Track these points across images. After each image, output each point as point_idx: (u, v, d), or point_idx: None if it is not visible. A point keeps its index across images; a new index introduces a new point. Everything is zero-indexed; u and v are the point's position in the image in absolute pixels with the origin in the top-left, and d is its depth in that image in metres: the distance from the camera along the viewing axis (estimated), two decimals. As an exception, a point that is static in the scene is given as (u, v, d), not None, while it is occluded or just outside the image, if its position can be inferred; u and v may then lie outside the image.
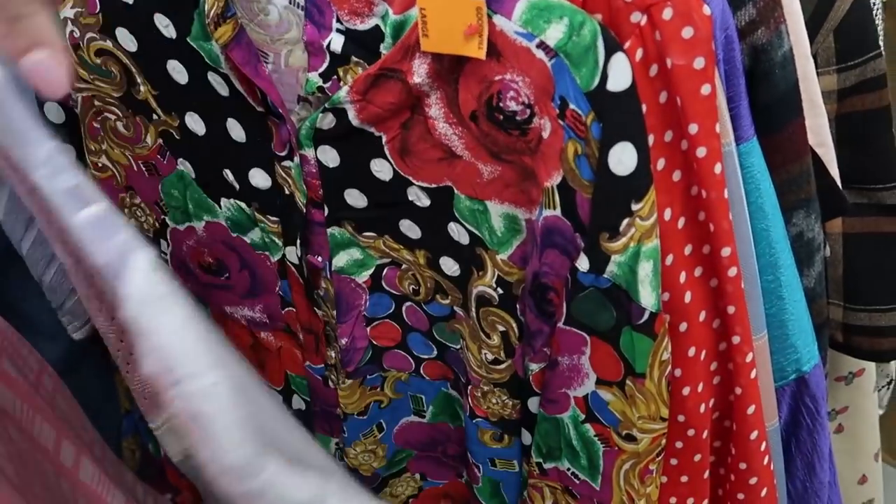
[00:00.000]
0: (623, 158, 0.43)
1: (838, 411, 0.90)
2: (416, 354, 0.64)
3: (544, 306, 0.51)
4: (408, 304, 0.61)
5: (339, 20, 0.49)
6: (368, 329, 0.62)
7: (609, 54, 0.41)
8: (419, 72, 0.47)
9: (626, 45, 0.44)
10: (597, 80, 0.42)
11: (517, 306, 0.54)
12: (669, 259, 0.47)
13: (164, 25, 0.54)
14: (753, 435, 0.53)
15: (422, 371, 0.65)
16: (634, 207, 0.44)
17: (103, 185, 0.65)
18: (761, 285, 0.53)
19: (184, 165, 0.61)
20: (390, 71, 0.48)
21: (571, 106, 0.43)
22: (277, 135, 0.55)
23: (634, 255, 0.45)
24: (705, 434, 0.53)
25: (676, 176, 0.47)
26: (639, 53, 0.44)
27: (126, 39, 0.56)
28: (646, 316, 0.46)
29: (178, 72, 0.56)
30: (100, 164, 0.63)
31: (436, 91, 0.48)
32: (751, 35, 0.52)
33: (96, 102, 0.60)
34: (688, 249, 0.49)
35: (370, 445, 0.69)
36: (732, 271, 0.48)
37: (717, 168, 0.46)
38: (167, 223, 0.65)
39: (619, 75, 0.42)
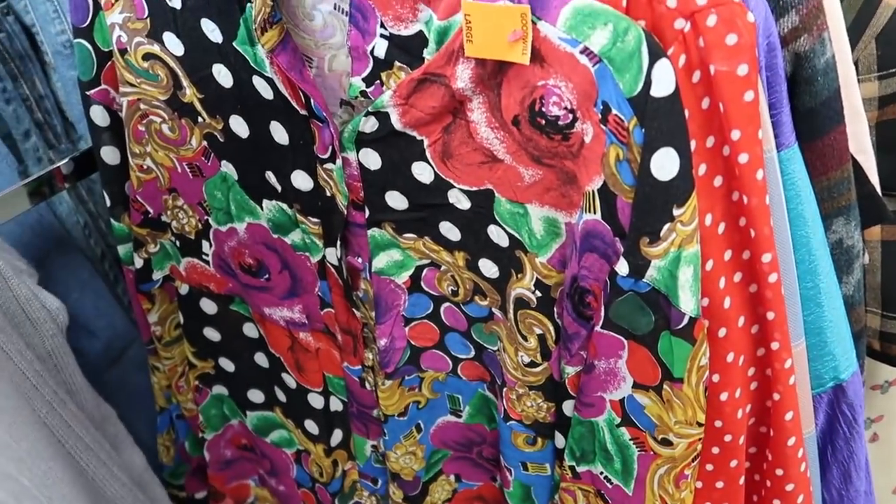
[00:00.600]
0: (665, 163, 0.43)
1: (873, 420, 0.89)
2: (453, 354, 0.65)
3: (582, 309, 0.51)
4: (446, 304, 0.61)
5: (383, 25, 0.50)
6: (407, 329, 0.63)
7: (653, 60, 0.42)
8: (462, 76, 0.48)
9: (670, 51, 0.44)
10: (640, 86, 0.42)
11: (555, 309, 0.54)
12: (710, 264, 0.47)
13: (211, 30, 0.55)
14: (791, 441, 0.53)
15: (459, 371, 0.66)
16: (676, 212, 0.44)
17: (147, 187, 0.66)
18: (800, 292, 0.53)
19: (227, 167, 0.62)
20: (434, 75, 0.48)
21: (614, 111, 0.43)
22: (320, 138, 0.56)
23: (675, 259, 0.45)
24: (742, 440, 0.53)
25: (718, 181, 0.47)
26: (682, 59, 0.44)
27: (173, 43, 0.57)
28: (685, 321, 0.46)
29: (223, 76, 0.57)
30: (144, 167, 0.65)
31: (478, 96, 0.49)
32: (794, 42, 0.51)
33: (142, 106, 0.61)
34: (727, 255, 0.49)
35: (410, 447, 0.70)
36: (773, 277, 0.48)
37: (759, 174, 0.46)
38: (210, 224, 0.66)
39: (663, 81, 0.42)
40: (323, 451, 0.75)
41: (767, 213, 0.47)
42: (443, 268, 0.59)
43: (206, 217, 0.66)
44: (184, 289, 0.72)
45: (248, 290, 0.68)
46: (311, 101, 0.53)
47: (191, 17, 0.55)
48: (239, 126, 0.59)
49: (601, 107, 0.44)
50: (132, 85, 0.61)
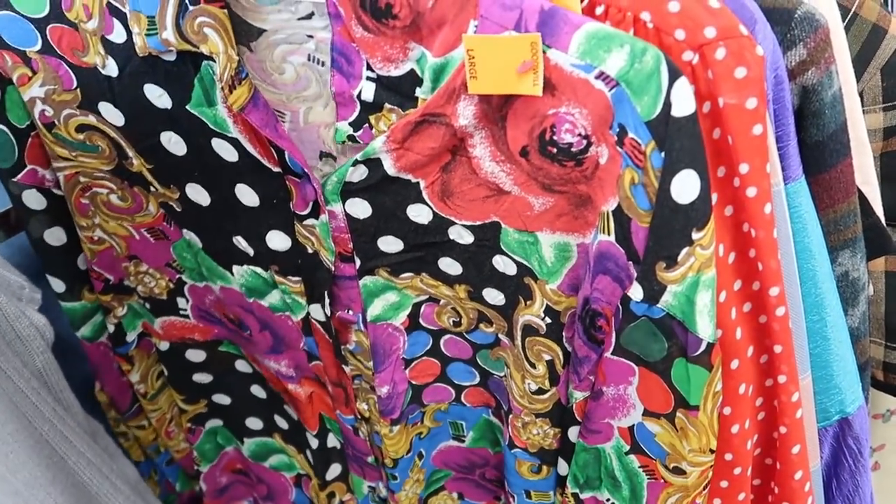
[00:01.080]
0: (686, 186, 0.42)
1: (875, 449, 0.89)
2: (456, 383, 0.64)
3: (593, 332, 0.50)
4: (446, 336, 0.61)
5: (369, 68, 0.48)
6: (407, 371, 0.62)
7: (673, 79, 0.40)
8: (465, 114, 0.46)
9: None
10: (660, 107, 0.41)
11: (564, 334, 0.54)
12: (723, 295, 0.47)
13: (157, 96, 0.52)
14: (798, 475, 0.53)
15: (463, 399, 0.65)
16: (696, 236, 0.43)
17: (102, 257, 0.62)
18: (807, 325, 0.53)
19: (189, 235, 0.60)
20: (433, 116, 0.47)
21: (630, 134, 0.42)
22: (299, 194, 0.53)
23: (693, 284, 0.44)
24: (749, 471, 0.52)
25: (728, 211, 0.47)
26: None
27: (112, 113, 0.54)
28: (703, 346, 0.45)
29: (174, 143, 0.54)
30: (95, 238, 0.61)
31: (481, 131, 0.47)
32: (801, 75, 0.52)
33: (82, 179, 0.57)
34: (737, 285, 0.48)
35: (415, 475, 0.69)
36: (780, 311, 0.48)
37: (767, 208, 0.46)
38: (184, 280, 0.63)
39: (684, 100, 0.41)
40: (318, 484, 0.74)
41: (775, 247, 0.47)
42: (442, 301, 0.58)
43: (178, 275, 0.63)
44: (163, 345, 0.69)
45: (237, 337, 0.67)
46: (287, 156, 0.51)
47: (131, 85, 0.52)
48: (198, 194, 0.56)
49: (617, 129, 0.43)
50: (66, 159, 0.56)
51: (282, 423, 0.74)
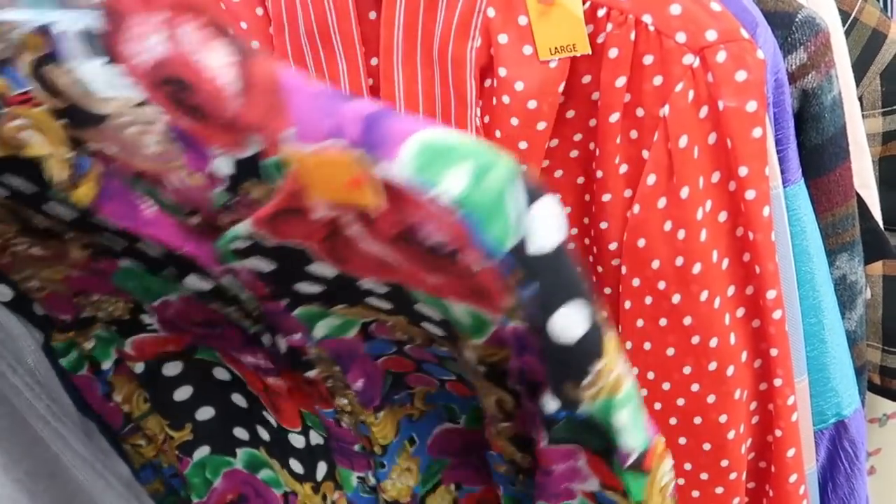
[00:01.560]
0: (568, 324, 0.34)
1: (871, 453, 0.89)
2: (436, 377, 0.64)
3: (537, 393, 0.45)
4: (408, 345, 0.59)
5: (214, 150, 0.41)
6: (379, 362, 0.61)
7: (531, 202, 0.32)
8: (319, 208, 0.38)
9: (678, 87, 0.44)
10: (512, 240, 0.32)
11: (507, 381, 0.45)
12: (717, 302, 0.47)
13: (17, 185, 0.46)
14: (793, 478, 0.53)
15: (447, 388, 0.65)
16: (595, 367, 0.36)
17: (49, 300, 0.58)
18: (805, 328, 0.53)
19: (125, 263, 0.57)
20: (289, 210, 0.40)
21: (494, 260, 0.34)
22: (198, 256, 0.48)
23: (605, 408, 0.38)
24: (744, 476, 0.52)
25: (722, 217, 0.47)
26: (690, 95, 0.44)
27: None
28: (633, 457, 0.40)
29: (62, 209, 0.48)
30: (34, 287, 0.58)
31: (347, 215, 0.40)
32: (801, 79, 0.52)
33: None
34: (731, 290, 0.49)
35: (404, 463, 0.69)
36: (777, 314, 0.48)
37: (766, 211, 0.46)
38: (141, 301, 0.62)
39: (544, 231, 0.32)
40: (311, 488, 0.74)
41: (773, 250, 0.47)
42: (389, 323, 0.56)
43: (132, 297, 0.62)
44: (139, 367, 0.68)
45: (209, 339, 0.66)
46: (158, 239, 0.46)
47: None
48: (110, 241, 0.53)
49: (481, 248, 0.34)
50: None
51: (264, 435, 0.73)
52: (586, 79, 0.48)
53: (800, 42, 0.51)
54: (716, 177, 0.46)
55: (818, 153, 0.54)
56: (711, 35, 0.43)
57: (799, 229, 0.52)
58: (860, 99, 0.64)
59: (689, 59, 0.44)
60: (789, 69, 0.51)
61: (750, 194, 0.46)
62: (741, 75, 0.43)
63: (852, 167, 0.57)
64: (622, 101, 0.46)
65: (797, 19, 0.51)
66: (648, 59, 0.45)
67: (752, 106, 0.44)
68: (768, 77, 0.48)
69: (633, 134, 0.47)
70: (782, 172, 0.51)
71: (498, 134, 0.49)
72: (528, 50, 0.47)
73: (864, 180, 0.63)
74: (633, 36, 0.45)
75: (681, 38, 0.44)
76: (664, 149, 0.46)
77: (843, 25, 0.63)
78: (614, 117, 0.47)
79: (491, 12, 0.46)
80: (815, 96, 0.52)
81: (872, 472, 0.90)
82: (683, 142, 0.45)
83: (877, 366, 0.76)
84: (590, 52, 0.46)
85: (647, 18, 0.44)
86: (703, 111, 0.45)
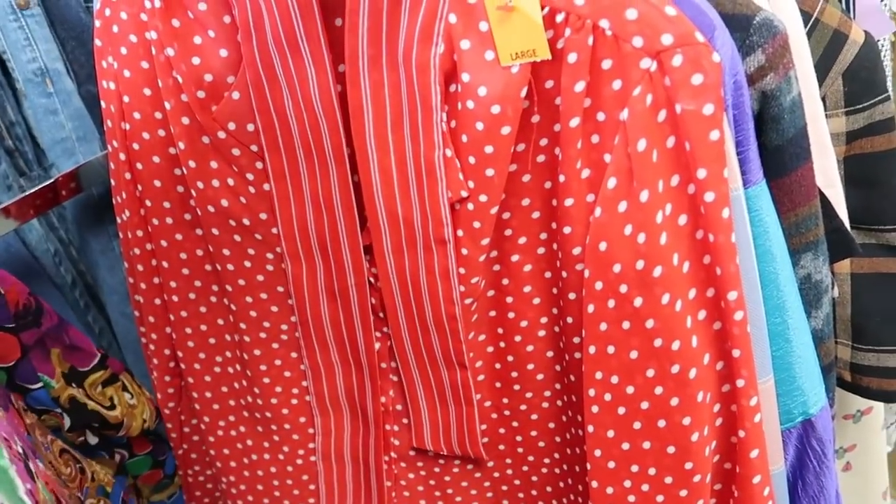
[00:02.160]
0: None
1: (846, 449, 0.90)
2: None
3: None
4: None
5: None
6: None
7: None
8: None
9: (636, 91, 0.44)
10: None
11: None
12: (678, 305, 0.47)
13: None
14: (757, 479, 0.53)
15: None
16: None
17: None
18: (769, 328, 0.53)
19: None
20: None
21: None
22: None
23: None
24: (708, 478, 0.53)
25: (682, 220, 0.47)
26: (648, 99, 0.44)
27: None
28: None
29: None
30: None
31: None
32: (760, 80, 0.52)
33: None
34: (692, 293, 0.49)
35: None
36: (739, 315, 0.49)
37: (725, 213, 0.46)
38: None
39: None
40: None
41: (734, 251, 0.47)
42: None
43: None
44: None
45: None
46: None
47: None
48: None
49: None
50: None
51: None
52: (549, 83, 0.48)
53: (758, 44, 0.51)
54: (675, 180, 0.46)
55: (779, 154, 0.54)
56: (667, 39, 0.43)
57: (762, 230, 0.52)
58: (823, 99, 0.65)
59: (647, 63, 0.44)
60: (748, 71, 0.52)
61: (709, 196, 0.46)
62: (697, 78, 0.43)
63: (816, 166, 0.58)
64: (582, 105, 0.47)
65: (755, 22, 0.52)
66: (607, 64, 0.45)
67: (709, 109, 0.44)
68: (727, 79, 0.48)
69: (595, 138, 0.47)
70: (744, 174, 0.51)
71: (464, 138, 0.49)
72: (489, 55, 0.47)
73: (830, 179, 0.64)
74: (590, 41, 0.45)
75: (637, 42, 0.44)
76: (624, 153, 0.46)
77: (805, 26, 0.63)
78: (575, 122, 0.47)
79: (452, 18, 0.47)
80: (774, 98, 0.53)
81: (848, 468, 0.91)
82: (642, 145, 0.45)
83: (847, 363, 0.76)
84: (550, 58, 0.46)
85: (604, 23, 0.44)
86: (662, 115, 0.45)
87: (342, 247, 0.56)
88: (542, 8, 0.45)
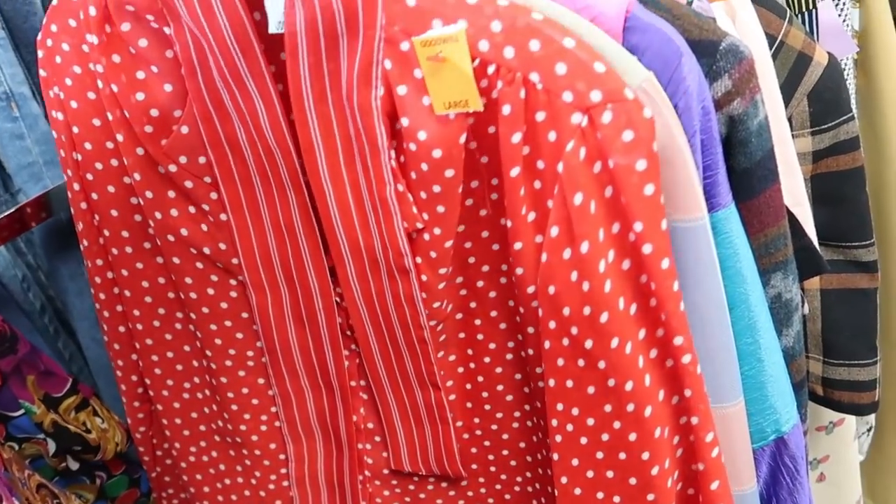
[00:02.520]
0: None
1: (819, 460, 0.91)
2: None
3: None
4: None
5: None
6: None
7: None
8: None
9: (569, 146, 0.43)
10: None
11: None
12: (628, 347, 0.47)
13: None
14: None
15: None
16: None
17: None
18: (740, 348, 0.54)
19: None
20: None
21: None
22: None
23: None
24: None
25: (626, 265, 0.46)
26: (582, 152, 0.44)
27: None
28: None
29: None
30: None
31: None
32: (727, 105, 0.53)
33: None
34: (641, 334, 0.48)
35: None
36: (686, 358, 0.48)
37: (665, 263, 0.46)
38: None
39: None
40: None
41: (678, 298, 0.47)
42: None
43: None
44: None
45: None
46: None
47: None
48: None
49: None
50: None
51: None
52: (491, 129, 0.47)
53: (724, 70, 0.52)
54: (616, 227, 0.45)
55: (747, 176, 0.55)
56: (596, 96, 0.42)
57: (732, 251, 0.53)
58: (789, 119, 0.66)
59: (578, 118, 0.43)
60: (715, 96, 0.52)
61: (647, 248, 0.45)
62: (628, 135, 0.42)
63: (784, 186, 0.58)
64: (521, 154, 0.46)
65: (721, 48, 0.52)
66: (541, 116, 0.44)
67: (641, 164, 0.43)
68: (695, 105, 0.49)
69: (537, 184, 0.47)
70: (713, 197, 0.52)
71: (413, 175, 0.49)
72: (426, 101, 0.46)
73: (797, 198, 0.65)
74: (522, 94, 0.44)
75: (568, 97, 0.43)
76: (563, 203, 0.45)
77: (770, 48, 0.64)
78: (515, 171, 0.46)
79: (388, 64, 0.46)
80: (741, 122, 0.53)
81: (822, 478, 0.92)
82: (579, 199, 0.44)
83: (819, 377, 0.77)
84: (482, 109, 0.45)
85: (534, 77, 0.43)
86: (597, 167, 0.44)
87: (307, 272, 0.56)
88: (473, 59, 0.44)
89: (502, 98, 0.45)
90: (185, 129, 0.52)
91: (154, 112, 0.52)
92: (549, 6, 0.46)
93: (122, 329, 0.64)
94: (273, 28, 0.46)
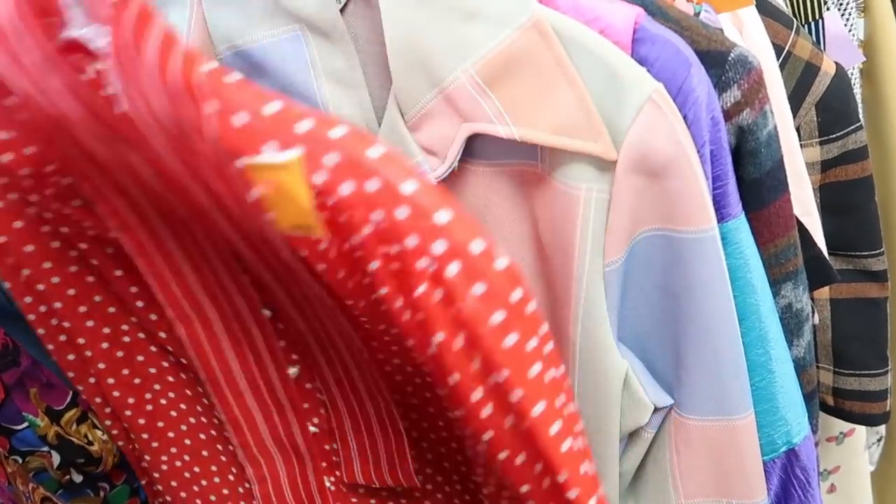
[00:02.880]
0: None
1: (830, 471, 0.90)
2: None
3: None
4: None
5: None
6: None
7: None
8: None
9: (421, 289, 0.39)
10: None
11: None
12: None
13: None
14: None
15: None
16: None
17: None
18: (751, 359, 0.54)
19: None
20: None
21: None
22: None
23: None
24: None
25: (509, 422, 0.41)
26: (437, 294, 0.40)
27: None
28: None
29: None
30: None
31: None
32: (737, 116, 0.53)
33: None
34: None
35: None
36: (573, 493, 0.44)
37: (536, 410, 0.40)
38: None
39: None
40: None
41: (557, 443, 0.41)
42: None
43: None
44: None
45: None
46: None
47: None
48: None
49: None
50: None
51: None
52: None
53: (733, 80, 0.52)
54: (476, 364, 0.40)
55: (757, 187, 0.55)
56: (440, 247, 0.39)
57: (742, 262, 0.53)
58: (798, 129, 0.66)
59: (425, 263, 0.39)
60: (724, 107, 0.52)
61: (517, 394, 0.40)
62: (479, 288, 0.39)
63: (793, 195, 0.58)
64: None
65: (730, 58, 0.52)
66: (395, 249, 0.40)
67: (498, 317, 0.39)
68: (704, 115, 0.49)
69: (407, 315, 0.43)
70: (723, 208, 0.52)
71: None
72: None
73: (806, 208, 0.65)
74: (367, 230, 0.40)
75: (412, 242, 0.39)
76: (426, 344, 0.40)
77: (778, 58, 0.64)
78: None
79: None
80: (750, 132, 0.53)
81: (833, 489, 0.91)
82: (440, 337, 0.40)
83: (829, 387, 0.77)
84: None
85: (376, 216, 0.39)
86: (453, 309, 0.39)
87: (230, 291, 0.55)
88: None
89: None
90: None
91: None
92: (559, 19, 0.47)
93: (71, 357, 0.62)
94: None
